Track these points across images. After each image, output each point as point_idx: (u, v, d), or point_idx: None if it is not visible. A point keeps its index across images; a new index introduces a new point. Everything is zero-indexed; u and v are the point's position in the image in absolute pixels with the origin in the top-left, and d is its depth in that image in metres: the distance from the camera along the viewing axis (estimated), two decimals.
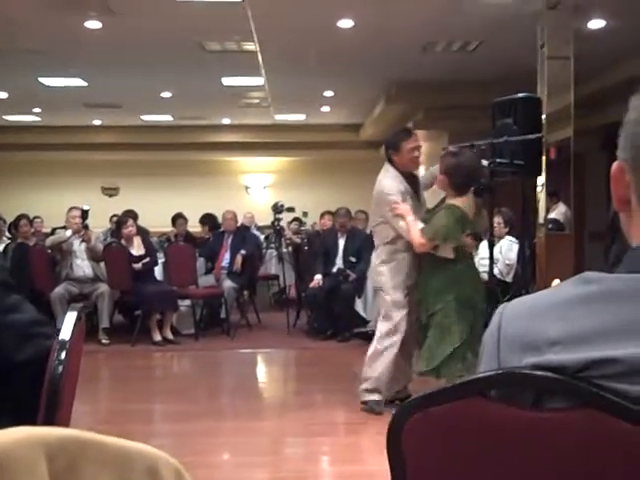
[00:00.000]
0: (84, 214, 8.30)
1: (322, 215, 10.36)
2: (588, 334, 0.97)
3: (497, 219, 7.40)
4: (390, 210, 5.21)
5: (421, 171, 6.18)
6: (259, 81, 11.66)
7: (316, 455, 4.78)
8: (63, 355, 1.61)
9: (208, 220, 10.81)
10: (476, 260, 6.78)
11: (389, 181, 5.36)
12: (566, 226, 8.07)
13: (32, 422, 1.49)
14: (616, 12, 7.85)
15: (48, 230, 10.69)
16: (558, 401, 0.97)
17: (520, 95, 6.93)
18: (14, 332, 1.68)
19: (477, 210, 5.28)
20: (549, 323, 1.01)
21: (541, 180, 7.43)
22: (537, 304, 1.07)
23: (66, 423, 1.68)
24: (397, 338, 5.26)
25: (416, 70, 10.74)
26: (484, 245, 6.78)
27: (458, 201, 5.09)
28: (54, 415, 1.55)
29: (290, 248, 10.53)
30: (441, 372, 4.81)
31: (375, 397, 5.34)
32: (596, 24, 8.27)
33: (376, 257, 5.47)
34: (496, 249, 7.72)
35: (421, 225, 5.09)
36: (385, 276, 5.34)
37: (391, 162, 5.45)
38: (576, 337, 0.97)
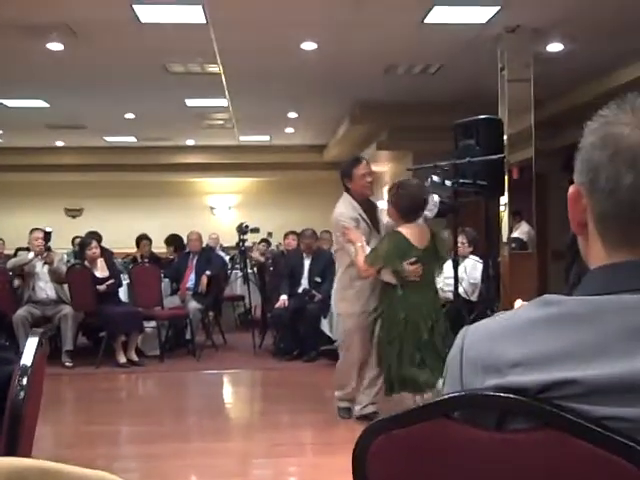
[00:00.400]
0: (47, 236, 8.21)
1: (286, 235, 10.38)
2: (548, 356, 0.98)
3: (461, 238, 7.47)
4: (341, 235, 5.35)
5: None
6: (223, 102, 11.67)
7: (283, 476, 4.76)
8: (25, 381, 1.59)
9: (174, 241, 10.76)
10: (440, 279, 6.87)
11: (341, 208, 5.53)
12: (529, 245, 8.17)
13: None
14: (574, 36, 7.99)
15: (10, 252, 10.55)
16: (520, 422, 0.98)
17: (482, 117, 7.02)
18: None
19: (433, 234, 5.37)
20: (510, 345, 1.02)
21: (504, 200, 7.51)
22: (498, 327, 1.08)
23: (29, 448, 1.66)
24: (356, 361, 5.49)
25: (379, 91, 10.83)
26: (449, 265, 6.84)
27: (403, 228, 5.23)
28: (16, 442, 1.53)
29: (255, 269, 10.51)
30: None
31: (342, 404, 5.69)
32: (554, 47, 8.41)
33: (337, 282, 5.65)
34: (460, 269, 7.78)
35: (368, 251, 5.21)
36: (345, 302, 5.46)
37: (347, 190, 5.66)
38: (537, 359, 0.99)
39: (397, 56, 9.03)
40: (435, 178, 7.10)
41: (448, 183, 7.04)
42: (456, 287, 7.28)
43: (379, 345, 5.29)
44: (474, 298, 7.74)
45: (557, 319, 1.00)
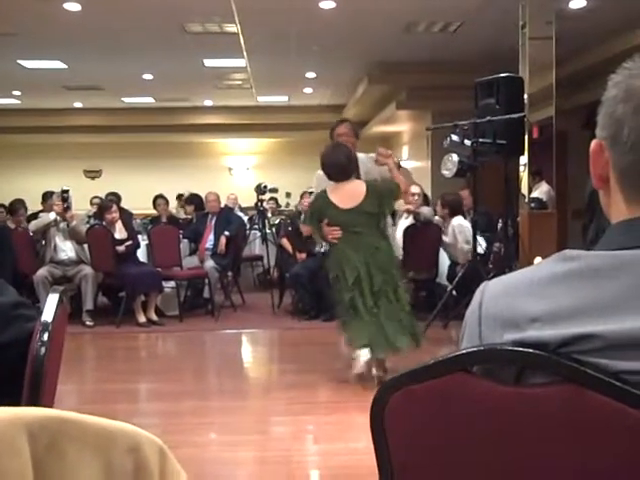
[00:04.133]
0: (65, 194, 8.23)
1: (302, 195, 10.33)
2: (568, 310, 0.98)
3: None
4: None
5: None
6: (241, 63, 11.60)
7: (300, 433, 4.80)
8: (45, 337, 1.61)
9: (194, 200, 10.76)
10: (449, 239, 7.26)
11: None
12: (549, 205, 8.11)
13: (15, 403, 1.49)
14: None
15: (30, 213, 10.61)
16: (539, 377, 0.98)
17: (502, 75, 6.96)
18: None
19: (368, 193, 5.40)
20: (529, 300, 1.01)
21: (524, 159, 7.46)
22: (518, 282, 1.07)
23: (50, 404, 1.68)
24: None
25: (398, 51, 10.72)
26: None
27: (330, 188, 5.46)
28: (37, 396, 1.55)
29: (274, 229, 10.52)
30: None
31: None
32: (577, 4, 8.28)
33: None
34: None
35: None
36: None
37: None
38: (556, 314, 0.98)
39: (417, 14, 8.92)
40: (454, 137, 7.07)
41: (467, 142, 7.01)
42: (474, 247, 7.29)
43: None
44: (461, 260, 7.78)
45: (577, 274, 1.00)
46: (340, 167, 5.46)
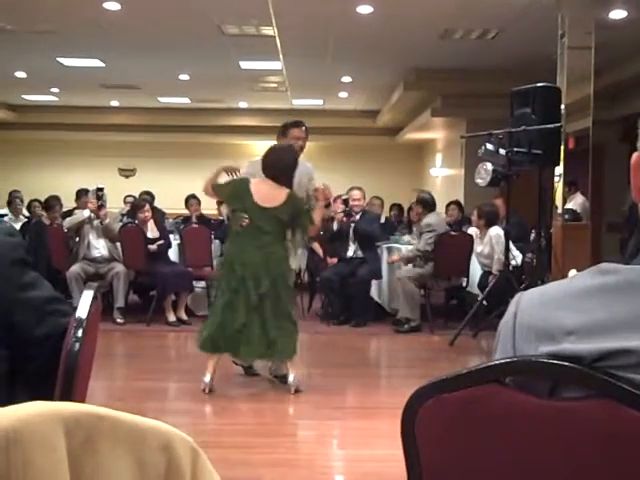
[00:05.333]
0: (99, 192, 8.30)
1: (334, 199, 10.15)
2: (604, 324, 0.97)
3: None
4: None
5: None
6: (277, 65, 11.64)
7: (327, 438, 4.80)
8: (80, 333, 1.62)
9: None
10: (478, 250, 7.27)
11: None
12: (583, 217, 8.04)
13: (49, 399, 1.50)
14: (638, 2, 7.77)
15: (65, 209, 10.72)
16: (574, 390, 0.97)
17: (539, 84, 6.91)
18: (32, 309, 1.69)
19: (287, 201, 5.43)
20: (565, 313, 1.01)
21: (559, 170, 7.40)
22: (553, 293, 1.07)
23: (82, 400, 1.70)
24: None
25: (435, 57, 10.70)
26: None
27: (255, 179, 5.54)
28: (70, 392, 1.56)
29: None
30: None
31: None
32: (618, 14, 8.19)
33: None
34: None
35: None
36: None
37: None
38: (592, 327, 0.97)
39: (455, 20, 8.89)
40: (489, 146, 7.03)
41: (502, 151, 6.97)
42: (507, 256, 7.25)
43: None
44: (494, 271, 7.76)
45: (613, 288, 0.99)
46: (281, 170, 5.49)
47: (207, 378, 5.41)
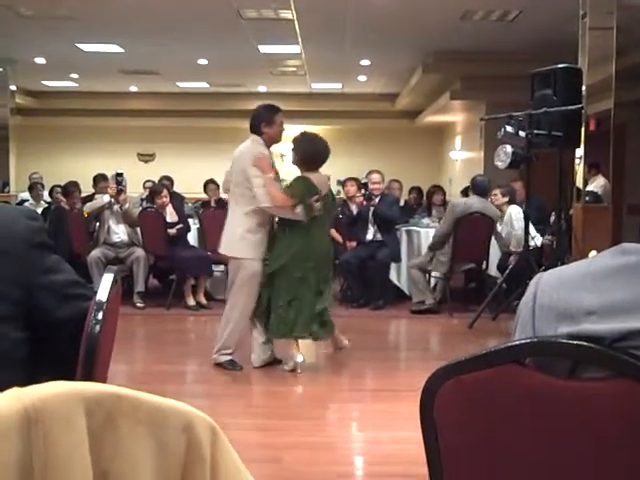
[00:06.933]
0: (119, 177, 8.32)
1: (344, 182, 9.83)
2: (624, 305, 0.96)
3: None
4: (258, 168, 5.46)
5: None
6: (296, 49, 11.60)
7: (346, 420, 4.81)
8: (100, 315, 1.63)
9: None
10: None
11: (258, 147, 5.67)
12: (604, 199, 7.97)
13: (70, 380, 1.52)
14: None
15: (84, 194, 10.79)
16: (594, 371, 0.97)
17: (560, 66, 6.84)
18: (53, 292, 1.70)
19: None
20: (585, 293, 1.00)
21: (580, 152, 7.34)
22: (573, 274, 1.06)
23: (103, 382, 1.71)
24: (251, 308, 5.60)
25: (454, 39, 10.61)
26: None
27: (307, 174, 5.61)
28: (92, 372, 1.58)
29: None
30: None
31: (226, 357, 5.65)
32: None
33: (238, 225, 5.55)
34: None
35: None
36: (250, 246, 5.51)
37: (260, 134, 5.76)
38: (612, 307, 0.97)
39: (474, 2, 8.81)
40: (509, 128, 6.98)
41: (522, 134, 6.92)
42: (526, 239, 7.21)
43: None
44: (513, 248, 7.76)
45: (635, 268, 0.98)
46: (322, 159, 5.69)
47: (299, 358, 5.54)
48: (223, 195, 8.80)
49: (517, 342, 1.04)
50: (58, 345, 1.73)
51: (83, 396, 0.80)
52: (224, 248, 5.72)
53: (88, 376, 1.57)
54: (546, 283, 1.08)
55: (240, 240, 5.52)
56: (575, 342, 0.96)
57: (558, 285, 1.06)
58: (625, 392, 0.93)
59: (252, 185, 5.44)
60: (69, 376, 1.60)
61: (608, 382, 0.95)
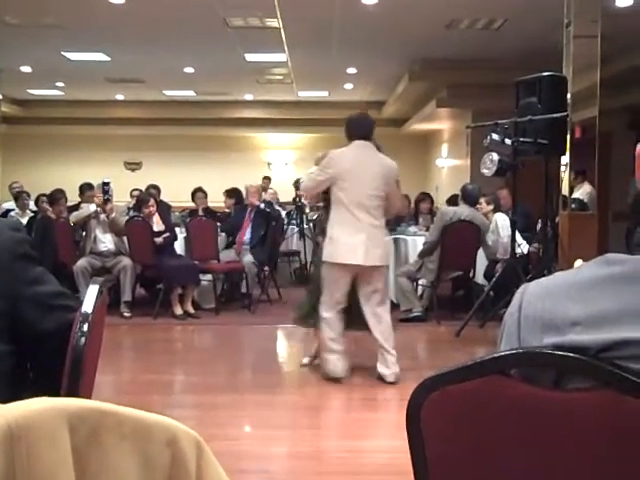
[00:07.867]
0: (105, 186, 8.30)
1: None
2: (610, 315, 0.97)
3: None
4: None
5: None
6: (282, 57, 11.62)
7: (333, 430, 4.81)
8: (85, 327, 1.62)
9: (234, 194, 10.74)
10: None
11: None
12: (590, 206, 8.01)
13: (55, 393, 1.50)
14: None
15: (70, 204, 10.75)
16: (579, 381, 0.97)
17: (545, 74, 6.88)
18: (37, 304, 1.69)
19: None
20: (570, 303, 1.00)
21: (565, 159, 7.38)
22: (558, 284, 1.06)
23: (88, 394, 1.70)
24: None
25: (440, 47, 10.66)
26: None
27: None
28: (77, 386, 1.57)
29: (311, 224, 10.53)
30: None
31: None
32: (624, 2, 8.15)
33: (385, 234, 5.80)
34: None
35: None
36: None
37: (378, 148, 6.13)
38: (597, 318, 0.97)
39: (460, 10, 8.86)
40: (495, 136, 7.01)
41: (508, 141, 6.95)
42: (513, 246, 7.23)
43: None
44: (499, 256, 7.77)
45: (619, 278, 0.98)
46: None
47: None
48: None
49: (503, 353, 1.04)
50: (43, 357, 1.71)
51: (66, 412, 0.80)
52: (383, 259, 5.68)
53: (73, 388, 1.56)
54: (531, 294, 1.08)
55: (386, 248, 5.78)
56: (560, 353, 0.97)
57: (544, 295, 1.06)
58: (610, 403, 0.93)
59: (396, 196, 5.77)
60: (54, 389, 1.59)
61: (593, 392, 0.95)
